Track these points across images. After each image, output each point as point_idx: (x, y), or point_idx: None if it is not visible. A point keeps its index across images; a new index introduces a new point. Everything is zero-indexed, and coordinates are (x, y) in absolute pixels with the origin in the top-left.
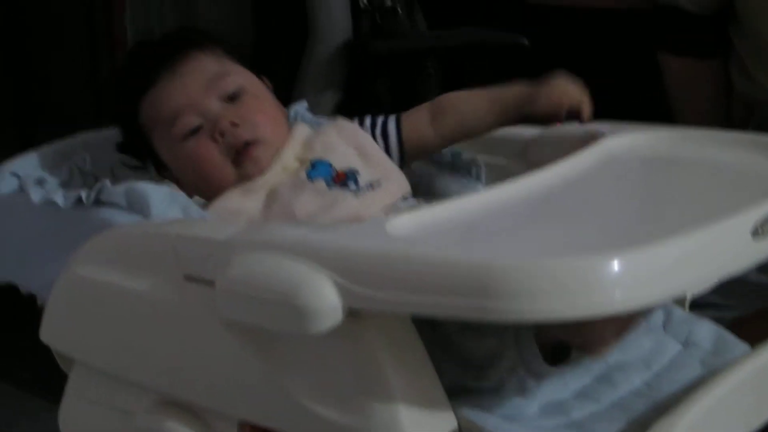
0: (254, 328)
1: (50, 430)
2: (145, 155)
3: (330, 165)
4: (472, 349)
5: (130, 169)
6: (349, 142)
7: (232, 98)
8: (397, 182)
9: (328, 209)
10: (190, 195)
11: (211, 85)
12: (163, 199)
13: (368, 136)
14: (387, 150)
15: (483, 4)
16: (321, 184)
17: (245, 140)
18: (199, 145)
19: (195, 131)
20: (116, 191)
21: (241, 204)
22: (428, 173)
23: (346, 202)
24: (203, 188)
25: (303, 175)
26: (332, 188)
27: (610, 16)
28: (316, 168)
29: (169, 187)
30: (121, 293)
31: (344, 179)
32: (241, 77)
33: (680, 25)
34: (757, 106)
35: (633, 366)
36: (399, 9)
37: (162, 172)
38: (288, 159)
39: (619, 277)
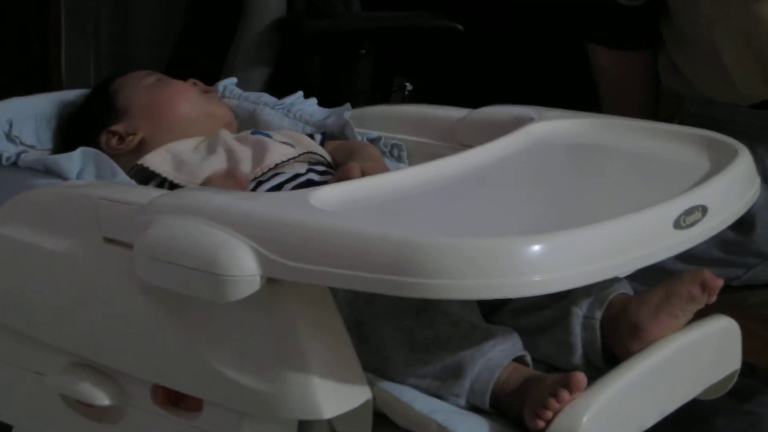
0: (171, 293)
1: None
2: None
3: (270, 135)
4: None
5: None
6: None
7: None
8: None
9: (264, 150)
10: (160, 143)
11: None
12: (77, 162)
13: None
14: None
15: None
16: (261, 137)
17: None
18: (173, 81)
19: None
20: (33, 158)
21: (184, 147)
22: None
23: (284, 148)
24: (174, 127)
25: (247, 133)
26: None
27: (542, 5)
28: (257, 133)
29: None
30: (38, 253)
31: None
32: None
33: (610, 17)
34: (683, 100)
35: None
36: None
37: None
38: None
39: (537, 259)
